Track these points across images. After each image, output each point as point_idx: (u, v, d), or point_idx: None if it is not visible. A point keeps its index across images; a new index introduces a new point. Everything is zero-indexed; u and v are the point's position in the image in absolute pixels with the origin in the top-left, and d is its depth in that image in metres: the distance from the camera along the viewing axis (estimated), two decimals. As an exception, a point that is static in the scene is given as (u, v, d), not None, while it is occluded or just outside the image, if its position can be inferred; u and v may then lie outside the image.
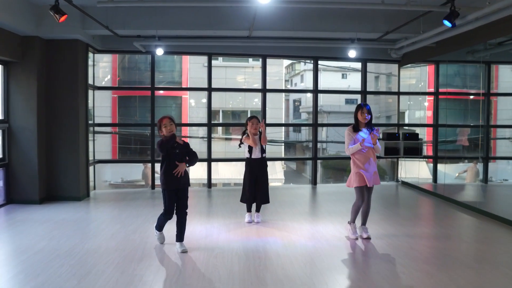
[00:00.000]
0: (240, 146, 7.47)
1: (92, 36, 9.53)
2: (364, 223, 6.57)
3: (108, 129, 17.43)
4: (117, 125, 17.10)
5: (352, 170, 6.38)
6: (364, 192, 6.37)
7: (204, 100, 18.26)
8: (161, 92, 17.32)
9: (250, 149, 7.28)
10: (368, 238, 6.41)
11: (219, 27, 9.11)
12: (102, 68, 18.15)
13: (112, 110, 18.51)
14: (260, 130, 7.28)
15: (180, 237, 5.90)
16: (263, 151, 7.35)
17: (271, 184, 8.69)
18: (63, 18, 6.65)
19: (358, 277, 5.13)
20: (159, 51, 9.57)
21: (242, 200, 7.52)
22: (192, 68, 19.33)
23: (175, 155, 5.75)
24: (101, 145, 17.65)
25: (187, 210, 5.91)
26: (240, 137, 7.42)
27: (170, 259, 5.58)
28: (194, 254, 5.74)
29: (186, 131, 19.19)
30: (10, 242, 6.46)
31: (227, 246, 6.09)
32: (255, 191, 7.36)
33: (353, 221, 6.55)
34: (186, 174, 5.89)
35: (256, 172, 7.33)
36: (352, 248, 6.10)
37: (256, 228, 7.07)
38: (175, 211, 5.85)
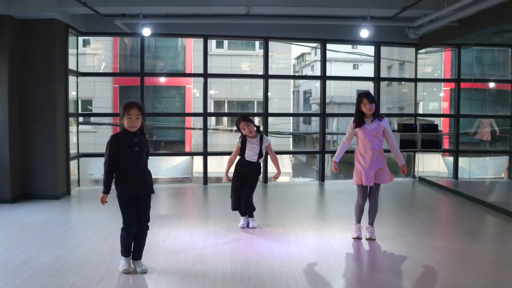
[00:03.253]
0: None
1: (72, 16, 8.50)
2: (371, 223, 5.90)
3: (109, 120, 16.55)
4: (105, 115, 16.14)
5: (355, 166, 5.79)
6: (365, 191, 5.78)
7: (211, 91, 17.27)
8: (162, 80, 16.36)
9: (243, 148, 6.27)
10: (371, 239, 5.76)
11: (212, 3, 8.03)
12: (98, 55, 17.27)
13: (113, 100, 17.68)
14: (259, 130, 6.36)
15: (137, 255, 4.67)
16: (260, 155, 6.28)
17: (277, 179, 7.74)
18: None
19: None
20: (146, 32, 8.45)
21: (232, 209, 6.48)
22: (196, 56, 18.37)
23: (134, 154, 4.47)
24: (102, 137, 16.79)
25: (148, 224, 4.68)
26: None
27: (137, 280, 4.50)
28: (169, 270, 4.67)
29: (190, 122, 18.28)
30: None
31: (212, 260, 5.01)
32: (240, 195, 6.33)
33: (357, 221, 5.96)
34: (149, 178, 4.65)
35: (245, 175, 6.29)
36: (360, 262, 5.03)
37: (250, 236, 5.97)
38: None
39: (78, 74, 9.40)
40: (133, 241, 4.59)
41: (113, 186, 4.51)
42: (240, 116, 6.26)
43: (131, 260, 4.65)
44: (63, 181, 8.49)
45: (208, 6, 8.06)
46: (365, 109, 5.51)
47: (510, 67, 9.38)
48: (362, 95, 5.51)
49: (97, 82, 17.10)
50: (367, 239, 5.75)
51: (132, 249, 4.63)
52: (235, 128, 6.58)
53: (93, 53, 17.60)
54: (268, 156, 6.50)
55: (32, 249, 5.34)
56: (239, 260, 5.00)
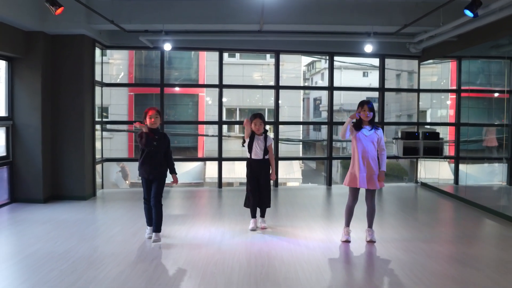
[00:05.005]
0: (243, 145, 6.95)
1: (99, 32, 9.26)
2: (370, 225, 6.30)
3: (124, 126, 17.27)
4: (126, 122, 16.86)
5: (350, 168, 6.15)
6: (357, 193, 6.19)
7: (224, 99, 17.96)
8: (177, 89, 17.04)
9: (250, 149, 6.80)
10: (372, 241, 6.15)
11: (228, 21, 8.75)
12: (116, 65, 17.99)
13: (128, 108, 18.37)
14: (266, 130, 6.89)
15: (155, 227, 6.14)
16: (266, 152, 6.84)
17: (288, 184, 8.26)
18: (59, 11, 6.37)
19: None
20: (167, 46, 9.24)
21: (245, 205, 7.05)
22: (209, 65, 19.05)
23: (153, 147, 6.02)
24: (118, 143, 17.53)
25: (162, 203, 6.16)
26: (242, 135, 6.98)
27: (166, 266, 5.23)
28: (192, 261, 5.37)
29: (202, 129, 18.95)
30: (6, 242, 6.24)
31: (229, 251, 5.71)
32: (258, 194, 6.88)
33: (347, 224, 6.31)
34: (161, 166, 6.11)
35: (257, 174, 6.82)
36: (362, 257, 5.69)
37: (262, 233, 6.67)
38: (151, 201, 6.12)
39: (103, 84, 10.15)
40: (151, 213, 6.15)
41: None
42: (258, 113, 6.80)
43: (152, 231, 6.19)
44: (89, 184, 9.22)
45: (224, 23, 8.79)
46: (363, 116, 6.03)
47: (506, 78, 9.94)
48: (364, 103, 6.04)
49: (113, 89, 17.84)
50: (367, 242, 6.18)
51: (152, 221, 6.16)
52: (242, 135, 7.05)
53: (111, 62, 18.32)
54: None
55: (71, 242, 6.05)
56: (253, 252, 5.69)
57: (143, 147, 5.98)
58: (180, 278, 4.87)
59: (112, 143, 17.11)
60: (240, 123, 19.78)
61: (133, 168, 16.84)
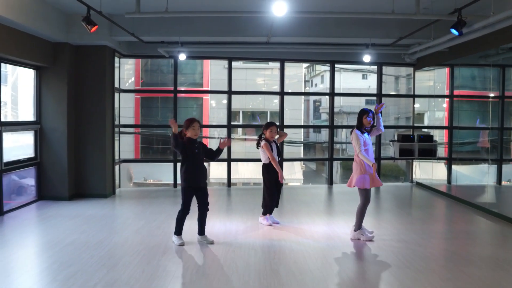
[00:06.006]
0: (258, 147, 7.43)
1: (118, 42, 10.03)
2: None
3: (131, 129, 17.94)
4: (140, 126, 17.61)
5: (360, 171, 6.46)
6: (370, 193, 6.67)
7: (225, 101, 18.63)
8: (183, 93, 17.74)
9: (272, 154, 7.30)
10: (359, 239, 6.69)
11: (239, 34, 9.55)
12: (126, 70, 18.68)
13: (135, 110, 19.01)
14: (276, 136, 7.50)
15: (202, 230, 6.45)
16: (279, 153, 7.57)
17: (290, 184, 8.87)
18: (94, 29, 7.12)
19: (366, 270, 5.51)
20: (182, 56, 10.07)
21: (268, 212, 7.53)
22: (213, 70, 19.75)
23: (195, 155, 6.19)
24: (125, 144, 18.21)
25: (208, 207, 6.41)
26: (256, 137, 7.59)
27: (191, 252, 6.02)
28: (213, 248, 6.18)
29: (206, 132, 19.68)
30: (43, 235, 6.98)
31: (244, 241, 6.53)
32: (277, 196, 7.56)
33: (360, 226, 6.69)
34: (206, 171, 6.40)
35: (276, 177, 7.33)
36: (361, 246, 6.47)
37: (272, 226, 7.46)
38: (198, 207, 6.35)
39: (120, 91, 10.93)
40: (197, 220, 6.46)
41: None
42: (274, 122, 7.47)
43: (199, 236, 6.47)
44: (110, 183, 10.00)
45: (235, 36, 9.59)
46: (366, 122, 6.57)
47: (500, 83, 10.65)
48: (368, 110, 6.62)
49: (121, 92, 18.56)
50: (352, 240, 6.65)
51: (197, 227, 6.50)
52: (249, 136, 7.66)
53: (118, 67, 18.95)
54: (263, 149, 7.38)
55: (102, 233, 6.84)
56: (265, 241, 6.52)
57: (174, 147, 6.10)
58: (206, 260, 5.70)
59: (120, 145, 17.82)
60: (247, 126, 20.53)
61: (138, 170, 17.60)
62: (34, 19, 7.90)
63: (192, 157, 6.16)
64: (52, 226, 7.35)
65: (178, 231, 6.36)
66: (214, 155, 6.46)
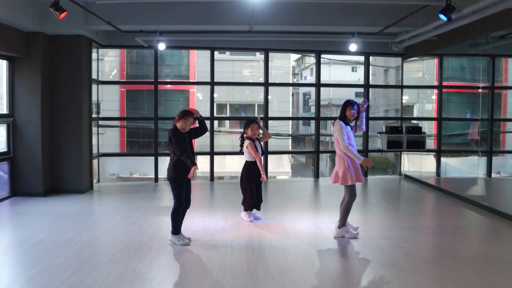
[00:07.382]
0: (241, 152, 7.16)
1: (95, 32, 9.63)
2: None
3: (116, 122, 17.56)
4: (121, 119, 17.21)
5: (345, 166, 6.12)
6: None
7: (215, 95, 18.34)
8: (168, 86, 17.39)
9: (256, 150, 7.02)
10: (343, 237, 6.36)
11: (220, 22, 9.18)
12: (108, 62, 18.28)
13: (120, 103, 18.65)
14: (260, 131, 7.23)
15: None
16: (262, 151, 7.28)
17: (278, 177, 8.62)
18: (63, 15, 6.76)
19: (349, 269, 5.20)
20: (161, 46, 9.67)
21: (249, 209, 7.24)
22: (200, 62, 19.41)
23: (186, 145, 5.83)
24: (109, 138, 17.84)
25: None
26: (239, 139, 7.23)
27: (165, 251, 5.68)
28: (189, 246, 5.84)
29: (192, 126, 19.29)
30: (11, 233, 6.64)
31: (222, 238, 6.20)
32: (258, 193, 7.21)
33: (345, 223, 6.36)
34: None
35: (257, 175, 7.06)
36: (345, 243, 6.17)
37: (253, 221, 7.15)
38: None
39: (99, 82, 10.54)
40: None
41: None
42: (254, 119, 7.12)
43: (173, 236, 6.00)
44: (87, 177, 9.62)
45: (215, 24, 9.22)
46: (349, 114, 6.25)
47: (489, 74, 10.40)
48: (353, 102, 6.28)
49: (105, 85, 18.19)
50: (335, 237, 6.31)
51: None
52: (235, 130, 7.38)
53: (104, 60, 18.60)
54: (248, 147, 7.08)
55: (73, 231, 6.49)
56: (244, 238, 6.18)
57: (180, 144, 5.78)
58: (179, 260, 5.35)
59: (105, 139, 17.44)
60: (231, 118, 20.21)
61: (124, 164, 17.24)
62: (3, 7, 7.49)
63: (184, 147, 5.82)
64: (22, 223, 7.00)
65: (177, 230, 5.97)
66: (201, 128, 6.16)
